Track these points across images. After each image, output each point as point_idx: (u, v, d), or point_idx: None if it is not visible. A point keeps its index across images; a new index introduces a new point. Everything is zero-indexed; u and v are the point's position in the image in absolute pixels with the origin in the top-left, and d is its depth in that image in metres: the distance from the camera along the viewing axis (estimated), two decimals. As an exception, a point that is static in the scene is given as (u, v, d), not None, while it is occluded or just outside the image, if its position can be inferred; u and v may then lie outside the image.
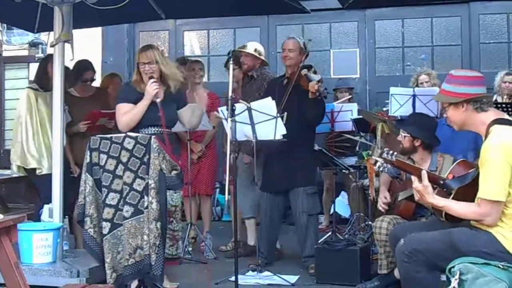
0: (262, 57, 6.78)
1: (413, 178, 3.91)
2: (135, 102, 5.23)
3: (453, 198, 3.90)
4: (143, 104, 5.15)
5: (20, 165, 6.23)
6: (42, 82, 6.32)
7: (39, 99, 6.22)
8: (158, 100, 5.13)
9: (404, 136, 5.15)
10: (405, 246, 3.86)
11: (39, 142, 6.16)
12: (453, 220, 3.90)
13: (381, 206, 5.36)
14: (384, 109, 7.04)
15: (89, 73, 6.61)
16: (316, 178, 6.57)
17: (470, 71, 4.11)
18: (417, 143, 5.10)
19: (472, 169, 3.96)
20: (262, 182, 6.08)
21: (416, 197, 3.99)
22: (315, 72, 5.92)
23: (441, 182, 4.02)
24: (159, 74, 5.24)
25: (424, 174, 3.86)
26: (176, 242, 5.16)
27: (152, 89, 5.13)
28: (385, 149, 4.24)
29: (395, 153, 4.23)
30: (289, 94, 5.85)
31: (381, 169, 4.25)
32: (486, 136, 3.73)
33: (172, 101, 5.30)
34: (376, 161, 4.22)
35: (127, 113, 5.22)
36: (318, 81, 5.72)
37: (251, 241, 6.69)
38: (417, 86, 7.15)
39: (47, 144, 6.13)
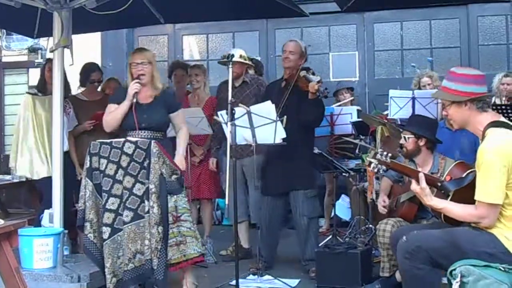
0: (248, 62, 6.81)
1: (408, 179, 3.92)
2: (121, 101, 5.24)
3: (451, 200, 3.91)
4: (123, 105, 5.14)
5: (29, 177, 6.30)
6: (41, 87, 6.39)
7: (37, 103, 6.26)
8: (134, 101, 5.12)
9: (408, 138, 5.15)
10: (407, 243, 3.85)
11: (43, 148, 6.20)
12: (452, 222, 3.90)
13: (381, 209, 5.38)
14: (384, 112, 7.03)
15: (96, 74, 6.76)
16: (318, 182, 6.57)
17: (472, 69, 4.07)
18: (421, 143, 5.11)
19: (470, 171, 3.96)
20: (262, 186, 6.07)
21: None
22: (313, 74, 5.92)
23: (439, 184, 4.02)
24: (150, 77, 5.20)
25: (422, 176, 3.86)
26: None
27: (131, 89, 5.13)
28: (379, 150, 4.23)
29: (390, 155, 4.22)
30: (287, 96, 5.85)
31: (375, 170, 4.22)
32: (482, 138, 3.73)
33: (161, 105, 5.22)
34: (370, 162, 4.20)
35: (110, 113, 5.23)
36: (318, 82, 5.72)
37: (245, 244, 6.72)
38: (419, 88, 7.16)
39: (46, 148, 6.17)
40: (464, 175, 4.02)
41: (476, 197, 3.65)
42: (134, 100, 5.11)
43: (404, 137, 5.20)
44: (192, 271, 5.21)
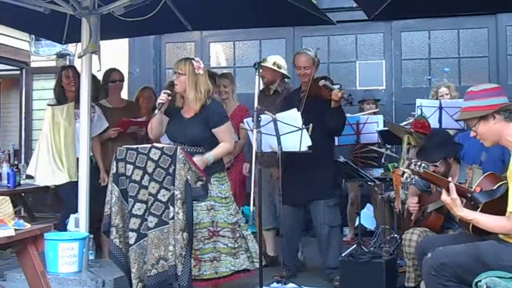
0: (282, 70, 6.77)
1: (436, 189, 3.88)
2: (168, 114, 5.30)
3: (481, 211, 3.86)
4: (156, 115, 5.20)
5: (50, 185, 6.37)
6: (59, 95, 6.45)
7: (56, 113, 6.31)
8: (156, 111, 5.16)
9: (436, 166, 5.08)
10: (432, 260, 3.82)
11: (59, 155, 6.25)
12: (480, 233, 3.86)
13: (411, 208, 5.30)
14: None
15: (116, 73, 6.87)
16: (339, 190, 6.54)
17: (488, 84, 4.06)
18: (450, 160, 5.06)
19: (501, 183, 3.90)
20: (282, 195, 6.01)
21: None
22: (332, 83, 5.91)
23: (469, 195, 3.96)
24: (184, 87, 5.15)
25: (452, 187, 3.81)
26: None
27: (158, 99, 5.18)
28: (412, 160, 4.20)
29: (423, 165, 4.19)
30: (307, 106, 5.83)
31: (408, 180, 4.20)
32: None
33: (200, 121, 5.18)
34: (404, 172, 4.17)
35: (151, 122, 5.31)
36: (340, 89, 5.71)
37: (270, 251, 6.72)
38: (436, 99, 7.12)
39: (62, 155, 6.23)
40: (495, 187, 3.95)
41: (509, 208, 3.60)
42: (157, 111, 5.15)
43: (434, 165, 5.10)
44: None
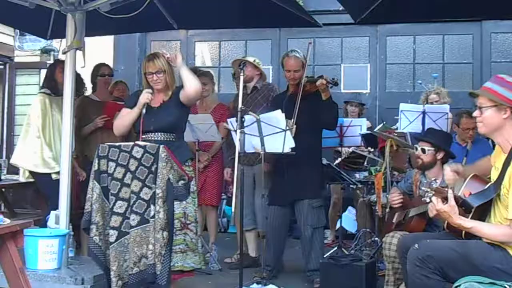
0: (261, 68, 6.79)
1: (435, 199, 3.77)
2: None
3: (472, 217, 3.78)
4: (133, 112, 5.16)
5: (36, 170, 6.24)
6: (52, 88, 6.37)
7: (53, 104, 6.26)
8: (136, 109, 5.15)
9: (427, 150, 5.12)
10: (419, 251, 3.76)
11: (55, 147, 6.18)
12: (471, 238, 3.83)
13: (394, 202, 5.28)
14: (393, 127, 7.02)
15: (104, 68, 6.86)
16: (324, 193, 6.56)
17: None
18: (439, 156, 5.09)
19: (488, 185, 3.84)
20: (269, 196, 6.03)
21: (431, 214, 3.92)
22: (312, 77, 5.96)
23: (460, 200, 3.83)
24: (165, 83, 5.17)
25: (451, 194, 3.74)
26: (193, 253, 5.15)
27: (142, 98, 5.14)
28: (432, 179, 4.19)
29: (438, 181, 4.18)
30: (298, 105, 5.82)
31: (427, 200, 4.08)
32: (510, 152, 3.67)
33: (171, 106, 5.18)
34: (430, 196, 4.03)
35: (120, 118, 5.27)
36: (320, 76, 5.72)
37: (252, 252, 6.72)
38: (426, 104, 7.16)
39: (54, 146, 6.18)
40: (486, 187, 3.86)
41: (510, 216, 3.58)
42: (144, 110, 5.13)
43: (422, 149, 5.15)
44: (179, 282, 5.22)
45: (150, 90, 5.18)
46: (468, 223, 3.73)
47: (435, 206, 3.78)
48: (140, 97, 5.16)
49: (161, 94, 5.21)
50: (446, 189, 3.88)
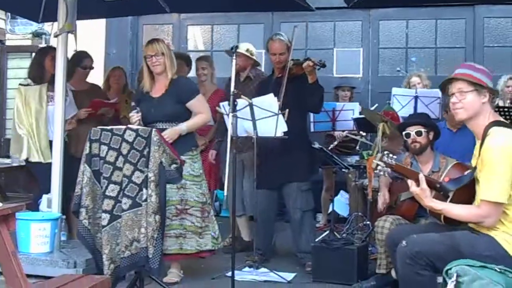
0: (254, 57, 6.77)
1: (410, 182, 3.86)
2: (138, 103, 5.38)
3: (450, 201, 3.89)
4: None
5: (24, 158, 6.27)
6: (36, 75, 6.30)
7: (28, 93, 6.19)
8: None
9: (421, 133, 5.16)
10: (407, 248, 3.79)
11: (38, 137, 6.16)
12: (452, 223, 3.88)
13: (380, 206, 5.39)
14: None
15: (88, 60, 6.72)
16: (314, 176, 6.56)
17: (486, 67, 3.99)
18: (431, 137, 5.16)
19: (468, 171, 3.93)
20: (257, 179, 6.01)
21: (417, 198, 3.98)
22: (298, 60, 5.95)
23: (438, 185, 3.97)
24: (164, 67, 5.30)
25: (422, 178, 3.83)
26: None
27: (132, 121, 5.23)
28: (385, 152, 4.21)
29: (395, 157, 4.22)
30: (286, 90, 5.81)
31: (381, 173, 4.22)
32: (483, 137, 3.71)
33: (171, 97, 5.31)
34: (378, 165, 4.17)
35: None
36: (307, 58, 5.71)
37: (245, 236, 6.75)
38: (409, 88, 7.16)
39: (35, 137, 6.15)
40: (465, 173, 3.96)
41: (481, 196, 3.63)
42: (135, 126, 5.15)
43: (418, 131, 5.18)
44: (179, 262, 5.41)
45: (137, 109, 5.29)
46: (439, 205, 3.82)
47: (410, 188, 3.86)
48: (131, 119, 5.28)
49: (161, 81, 5.33)
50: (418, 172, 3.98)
